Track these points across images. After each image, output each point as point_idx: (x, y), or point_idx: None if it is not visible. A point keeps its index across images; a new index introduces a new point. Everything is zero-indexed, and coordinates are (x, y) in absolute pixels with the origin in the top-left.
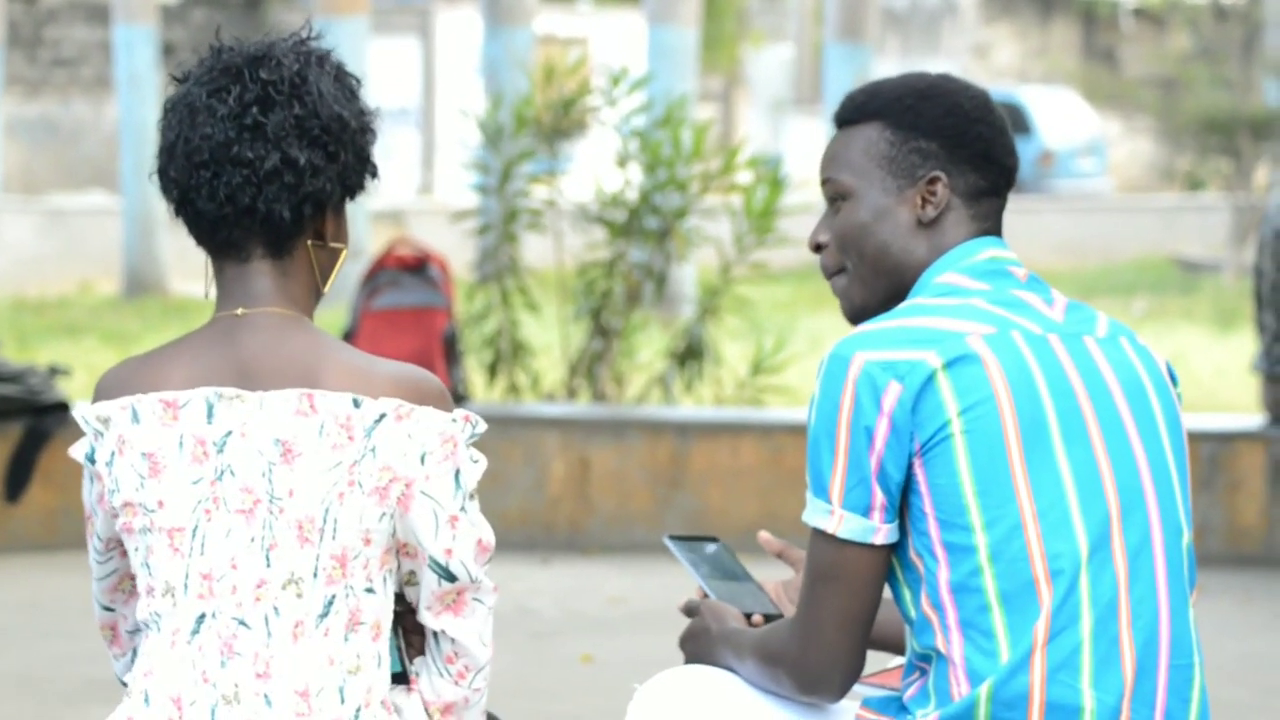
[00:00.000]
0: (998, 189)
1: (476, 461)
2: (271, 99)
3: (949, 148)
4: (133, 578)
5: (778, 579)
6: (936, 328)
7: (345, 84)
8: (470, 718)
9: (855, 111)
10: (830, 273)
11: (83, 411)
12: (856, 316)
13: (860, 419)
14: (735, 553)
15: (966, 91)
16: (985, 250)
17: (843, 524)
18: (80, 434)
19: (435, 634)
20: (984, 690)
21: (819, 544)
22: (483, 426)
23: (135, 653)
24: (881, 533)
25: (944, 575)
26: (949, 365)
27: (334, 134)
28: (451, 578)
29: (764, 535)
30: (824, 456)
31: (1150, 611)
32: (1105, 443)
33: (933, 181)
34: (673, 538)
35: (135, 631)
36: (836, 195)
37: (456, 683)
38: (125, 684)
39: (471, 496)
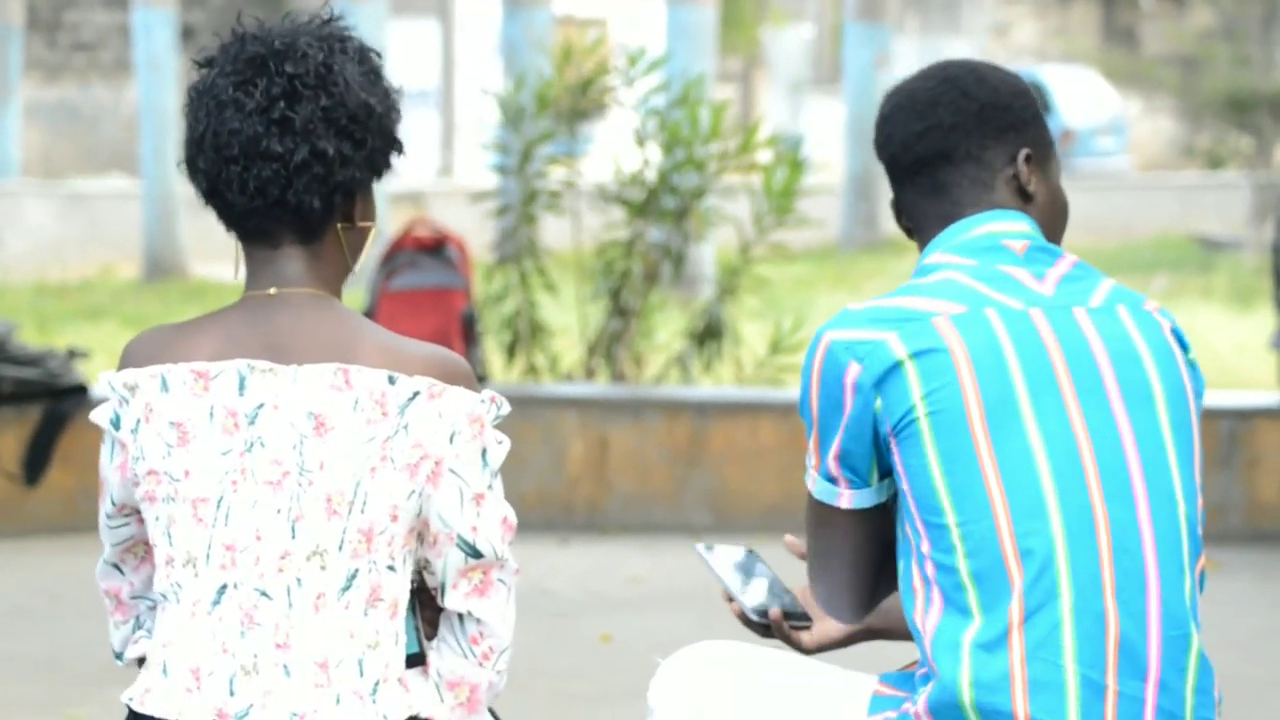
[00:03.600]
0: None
1: (501, 443)
2: (298, 92)
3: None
4: (145, 543)
5: (804, 585)
6: (905, 307)
7: (370, 67)
8: (488, 700)
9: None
10: None
11: (109, 378)
12: None
13: (826, 396)
14: (762, 558)
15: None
16: (982, 225)
17: (815, 486)
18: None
19: (460, 616)
20: (965, 671)
21: (809, 495)
22: (507, 408)
23: (136, 622)
24: (845, 498)
25: (925, 549)
26: (914, 351)
27: (361, 122)
28: (478, 554)
29: (789, 539)
30: (806, 424)
31: (1138, 584)
32: (1084, 416)
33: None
34: (705, 547)
35: (137, 598)
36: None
37: (481, 664)
38: (119, 655)
39: (495, 476)
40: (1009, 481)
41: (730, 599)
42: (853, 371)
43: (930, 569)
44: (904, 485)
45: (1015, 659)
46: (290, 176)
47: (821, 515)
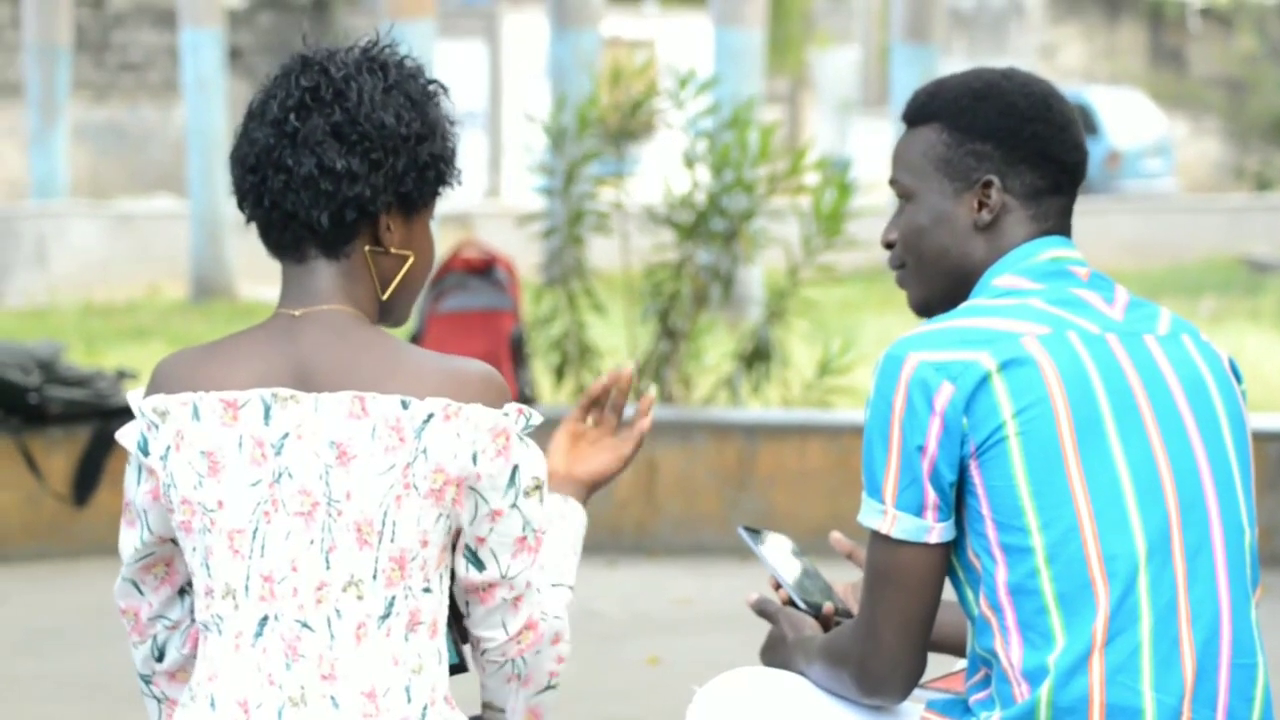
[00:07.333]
0: (1060, 187)
1: (536, 459)
2: (307, 105)
3: (1004, 149)
4: (166, 563)
5: (847, 581)
6: (991, 328)
7: (406, 90)
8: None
9: (917, 112)
10: (894, 265)
11: (138, 402)
12: (921, 310)
13: (913, 419)
14: (803, 553)
15: (1024, 89)
16: (1046, 251)
17: (896, 524)
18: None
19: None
20: (1044, 694)
21: (875, 545)
22: (537, 419)
23: (154, 641)
24: (935, 531)
25: (1002, 576)
26: (1003, 367)
27: (376, 141)
28: (480, 566)
29: (835, 535)
30: (877, 456)
31: (1211, 611)
32: (1164, 442)
33: (987, 185)
34: (746, 529)
35: (156, 618)
36: (902, 195)
37: (508, 682)
38: (143, 676)
39: (528, 494)
40: (1097, 502)
41: (778, 586)
42: (945, 393)
43: (1004, 596)
44: (983, 509)
45: (1095, 681)
46: (298, 189)
47: (897, 563)
